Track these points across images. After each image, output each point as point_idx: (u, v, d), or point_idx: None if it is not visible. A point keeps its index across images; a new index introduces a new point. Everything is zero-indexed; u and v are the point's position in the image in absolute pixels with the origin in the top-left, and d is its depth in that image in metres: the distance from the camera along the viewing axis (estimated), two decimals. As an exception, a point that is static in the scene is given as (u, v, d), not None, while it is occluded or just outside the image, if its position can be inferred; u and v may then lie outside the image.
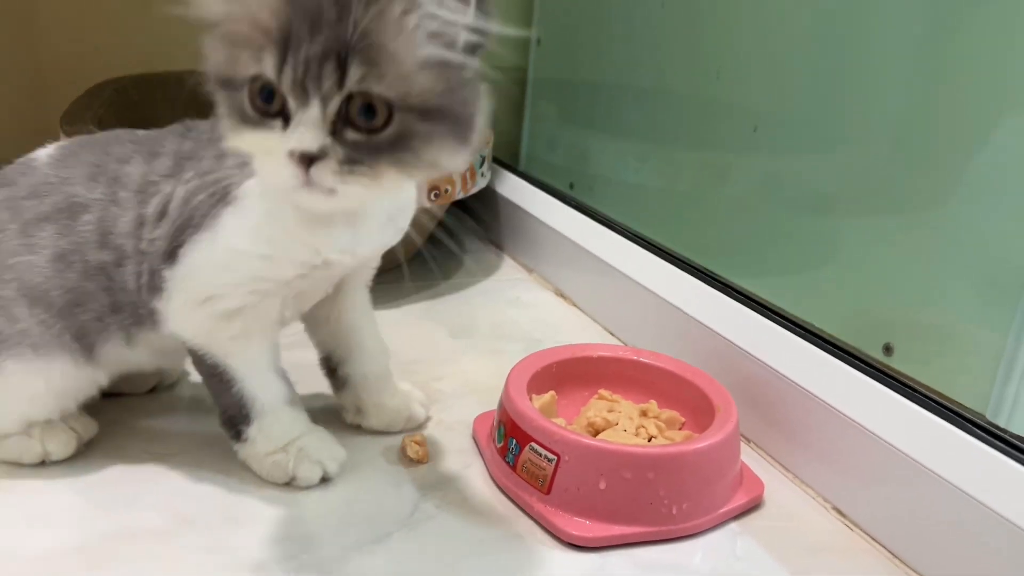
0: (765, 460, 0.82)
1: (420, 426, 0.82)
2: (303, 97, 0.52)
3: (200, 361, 0.70)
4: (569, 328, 1.09)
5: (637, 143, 1.28)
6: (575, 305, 1.16)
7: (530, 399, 0.75)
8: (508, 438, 0.73)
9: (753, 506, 0.74)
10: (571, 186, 1.41)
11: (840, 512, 0.75)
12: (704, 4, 1.12)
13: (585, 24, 1.38)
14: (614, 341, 1.06)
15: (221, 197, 0.64)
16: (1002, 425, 0.77)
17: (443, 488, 0.73)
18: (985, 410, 0.78)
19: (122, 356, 0.72)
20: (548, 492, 0.69)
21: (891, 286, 0.88)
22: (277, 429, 0.71)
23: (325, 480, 0.72)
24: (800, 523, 0.73)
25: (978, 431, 0.70)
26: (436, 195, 1.11)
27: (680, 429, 0.80)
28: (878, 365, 0.81)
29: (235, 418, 0.71)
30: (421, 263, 1.22)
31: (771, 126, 1.02)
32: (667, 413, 0.80)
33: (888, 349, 0.88)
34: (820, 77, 0.94)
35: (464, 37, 0.53)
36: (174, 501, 0.69)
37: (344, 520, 0.68)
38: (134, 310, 0.70)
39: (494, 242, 1.38)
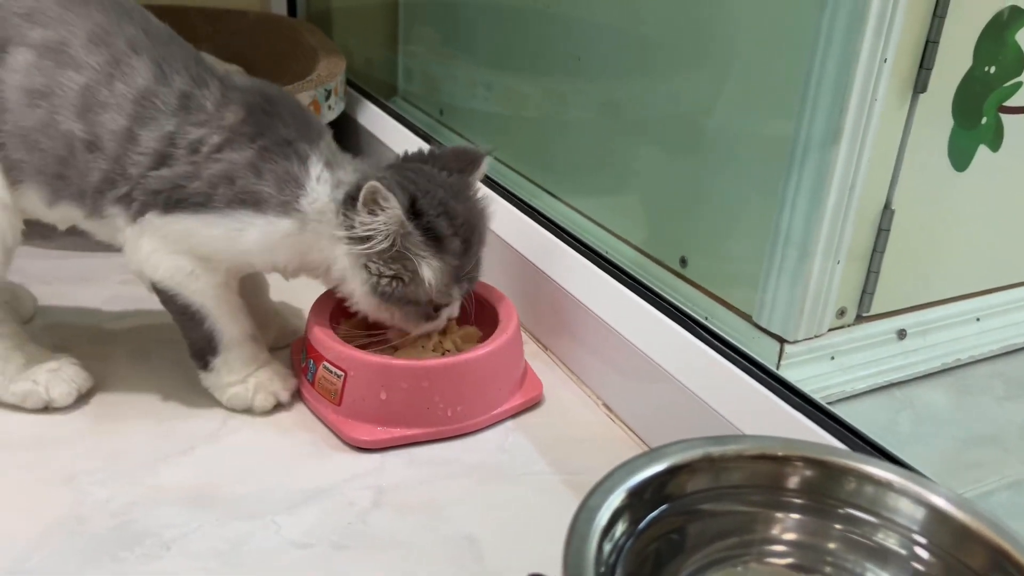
0: (556, 365, 0.92)
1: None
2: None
3: (170, 301, 0.77)
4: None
5: (487, 71, 1.34)
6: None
7: (338, 324, 0.84)
8: (308, 359, 0.82)
9: (531, 405, 0.84)
10: (441, 112, 1.47)
11: (608, 407, 0.85)
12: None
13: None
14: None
15: (253, 204, 0.73)
16: (763, 325, 0.87)
17: (254, 404, 0.83)
18: (752, 311, 0.89)
19: (38, 209, 0.77)
20: (339, 404, 0.78)
21: (686, 206, 0.97)
22: (238, 361, 0.80)
23: (279, 406, 0.81)
24: (572, 418, 0.83)
25: (705, 336, 0.80)
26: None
27: (478, 342, 0.89)
28: (653, 286, 0.90)
29: (203, 350, 0.79)
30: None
31: (591, 57, 1.09)
32: (465, 330, 0.89)
33: (683, 261, 0.97)
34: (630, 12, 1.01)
35: None
36: (-1, 427, 0.77)
37: (152, 437, 0.77)
38: (79, 191, 0.74)
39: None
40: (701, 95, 0.93)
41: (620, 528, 0.48)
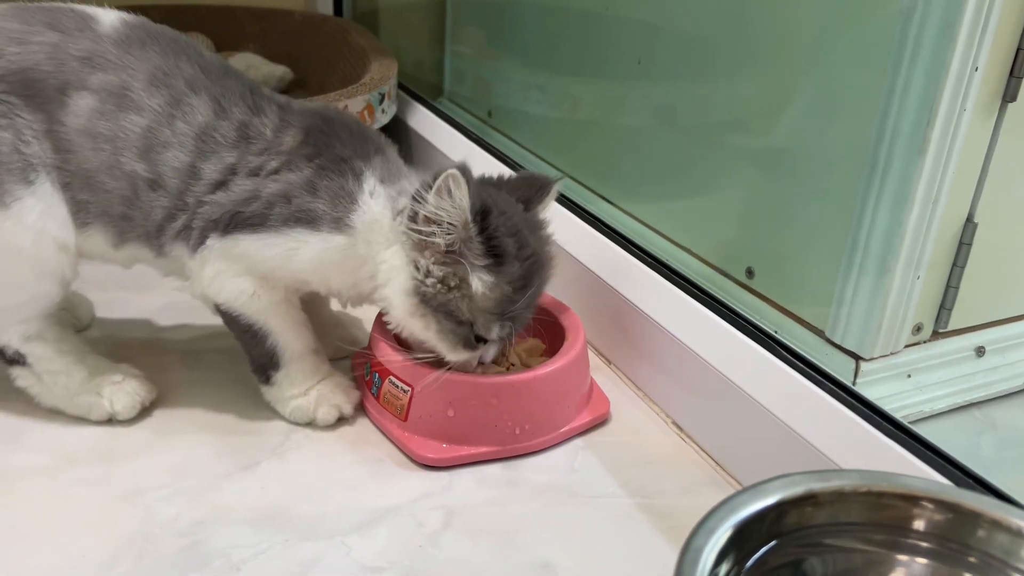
0: (622, 380, 0.90)
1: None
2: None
3: (233, 322, 0.77)
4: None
5: (539, 73, 1.31)
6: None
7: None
8: (373, 372, 0.80)
9: (599, 423, 0.82)
10: (489, 114, 1.45)
11: (679, 427, 0.82)
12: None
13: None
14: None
15: (308, 222, 0.73)
16: (837, 341, 0.85)
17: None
18: (824, 326, 0.86)
19: (106, 253, 0.76)
20: (405, 419, 0.76)
21: (754, 216, 0.94)
22: (300, 374, 0.79)
23: (342, 419, 0.80)
24: (641, 438, 0.81)
25: (783, 353, 0.78)
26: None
27: (542, 355, 0.87)
28: (721, 299, 0.87)
29: (265, 366, 0.79)
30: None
31: (652, 59, 1.06)
32: (529, 343, 0.87)
33: (750, 273, 0.95)
34: (696, 15, 0.98)
35: None
36: (58, 441, 0.76)
37: (216, 452, 0.76)
38: (145, 231, 0.74)
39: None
40: (771, 100, 0.90)
41: (724, 569, 0.46)
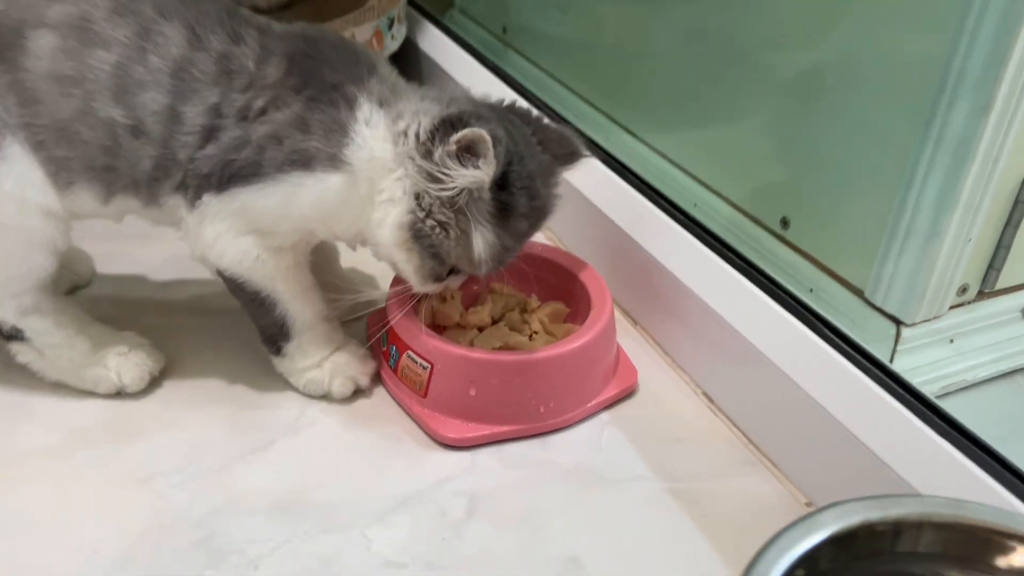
0: (648, 343, 0.86)
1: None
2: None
3: (238, 289, 0.72)
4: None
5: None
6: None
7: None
8: (390, 344, 0.76)
9: (626, 395, 0.78)
10: (504, 30, 1.35)
11: (709, 398, 0.79)
12: None
13: None
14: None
15: (303, 163, 0.66)
16: (878, 304, 0.80)
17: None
18: (865, 287, 0.81)
19: (95, 209, 0.71)
20: (425, 395, 0.73)
21: (792, 157, 0.87)
22: (313, 345, 0.75)
23: (358, 391, 0.76)
24: (670, 410, 0.78)
25: (817, 324, 0.73)
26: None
27: (565, 320, 0.82)
28: (751, 258, 0.82)
29: (275, 336, 0.74)
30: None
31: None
32: (552, 306, 0.82)
33: (785, 223, 0.89)
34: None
35: None
36: (65, 419, 0.73)
37: (229, 429, 0.73)
38: (133, 180, 0.68)
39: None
40: (820, 17, 0.81)
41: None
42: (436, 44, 1.28)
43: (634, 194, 0.92)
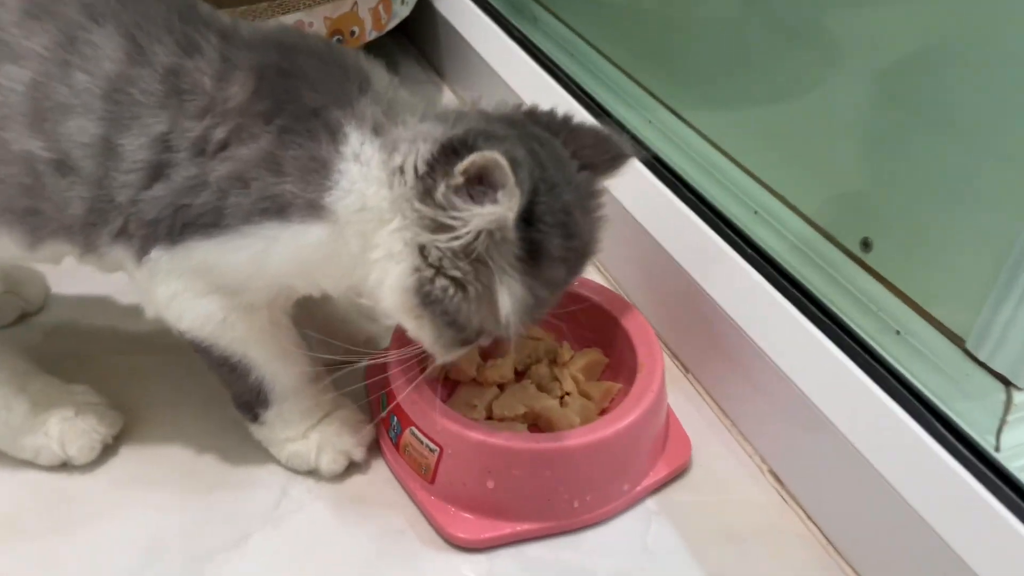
0: (703, 399, 0.72)
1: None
2: None
3: (206, 352, 0.58)
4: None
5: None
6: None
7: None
8: (390, 413, 0.62)
9: (678, 474, 0.65)
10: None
11: (777, 478, 0.65)
12: None
13: None
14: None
15: (275, 212, 0.52)
16: (982, 359, 0.65)
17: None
18: (968, 335, 0.66)
19: (23, 256, 0.57)
20: (432, 482, 0.60)
21: (882, 166, 0.72)
22: (295, 413, 0.62)
23: (352, 465, 0.64)
24: (731, 496, 0.64)
25: (912, 402, 0.60)
26: (340, 39, 0.91)
27: (602, 375, 0.68)
28: (823, 305, 0.67)
29: (251, 403, 0.62)
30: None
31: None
32: (587, 356, 0.68)
33: (866, 244, 0.74)
34: None
35: None
36: None
37: (197, 517, 0.60)
38: (62, 226, 0.54)
39: (436, 69, 1.18)
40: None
41: None
42: (456, 6, 1.11)
43: (679, 205, 0.77)
